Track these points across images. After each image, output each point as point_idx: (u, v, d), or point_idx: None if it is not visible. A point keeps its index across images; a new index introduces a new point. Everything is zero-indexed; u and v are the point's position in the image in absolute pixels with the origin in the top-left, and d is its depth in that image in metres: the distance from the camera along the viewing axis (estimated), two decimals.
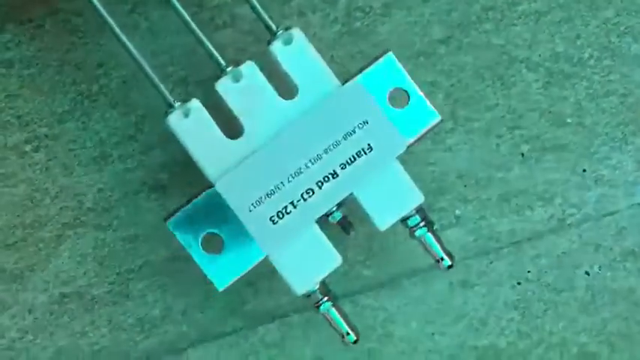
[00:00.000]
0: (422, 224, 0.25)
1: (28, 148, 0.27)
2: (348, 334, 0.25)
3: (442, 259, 0.26)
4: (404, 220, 0.25)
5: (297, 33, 0.24)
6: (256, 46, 0.27)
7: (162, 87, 0.24)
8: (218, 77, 0.24)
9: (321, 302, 0.25)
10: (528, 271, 0.30)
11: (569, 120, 0.30)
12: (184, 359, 0.28)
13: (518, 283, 0.30)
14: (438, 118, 0.26)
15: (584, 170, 0.30)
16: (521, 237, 0.30)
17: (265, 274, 0.27)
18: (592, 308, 0.30)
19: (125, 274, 0.27)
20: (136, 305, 0.27)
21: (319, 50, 0.25)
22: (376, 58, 0.26)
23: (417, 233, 0.25)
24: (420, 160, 0.29)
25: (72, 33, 0.27)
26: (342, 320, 0.25)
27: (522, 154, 0.30)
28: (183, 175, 0.28)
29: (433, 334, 0.29)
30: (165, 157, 0.28)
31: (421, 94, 0.26)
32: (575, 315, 0.30)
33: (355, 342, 0.25)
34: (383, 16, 0.29)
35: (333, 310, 0.25)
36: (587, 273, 0.30)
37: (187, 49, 0.28)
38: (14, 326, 0.27)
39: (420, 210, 0.25)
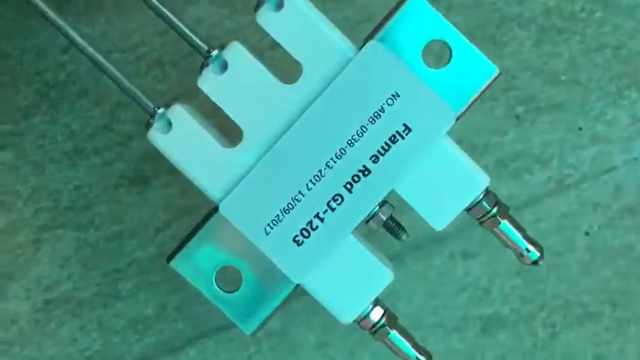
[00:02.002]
0: (494, 211, 0.20)
1: None
2: (417, 359, 0.21)
3: (527, 250, 0.21)
4: (470, 210, 0.20)
5: None
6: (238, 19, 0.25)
7: (138, 94, 0.20)
8: (200, 67, 0.19)
9: (377, 327, 0.20)
10: None
11: (563, 77, 0.29)
12: (183, 357, 0.26)
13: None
14: (496, 72, 0.20)
15: (580, 128, 0.29)
16: (520, 201, 0.29)
17: None
18: (592, 268, 0.30)
19: (112, 274, 0.26)
20: (126, 306, 0.26)
21: None
22: (397, 6, 0.19)
23: (490, 224, 0.20)
24: None
25: (29, 16, 0.25)
26: (406, 343, 0.21)
27: (517, 117, 0.29)
28: (167, 164, 0.26)
29: (436, 307, 0.28)
30: (146, 146, 0.25)
31: (468, 42, 0.19)
32: (577, 276, 0.29)
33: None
34: None
35: (394, 333, 0.20)
36: (586, 233, 0.30)
37: (159, 25, 0.25)
38: None
39: (487, 194, 0.20)
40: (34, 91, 0.25)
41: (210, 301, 0.20)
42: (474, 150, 0.28)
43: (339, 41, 0.19)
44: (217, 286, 0.20)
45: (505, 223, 0.20)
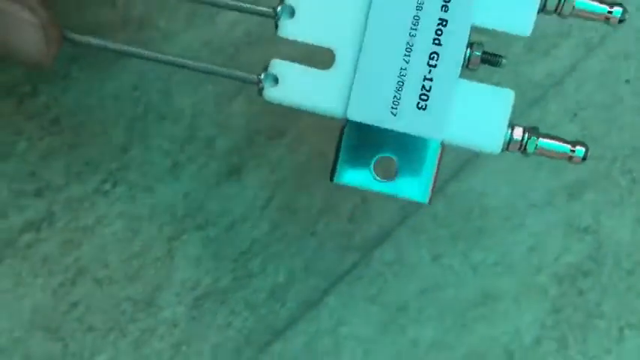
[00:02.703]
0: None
1: (107, 186, 0.28)
2: (573, 150, 0.23)
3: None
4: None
5: None
6: None
7: (238, 73, 0.23)
8: (275, 24, 0.22)
9: (524, 144, 0.22)
10: (578, 101, 0.32)
11: None
12: (324, 307, 0.29)
13: (575, 115, 0.31)
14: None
15: None
16: (561, 74, 0.32)
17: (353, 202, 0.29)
18: None
19: (240, 258, 0.29)
20: (261, 280, 0.29)
21: None
22: None
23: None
24: None
25: (98, 70, 0.29)
26: (558, 142, 0.23)
27: None
28: (251, 151, 0.29)
29: (524, 191, 0.31)
30: (228, 142, 0.29)
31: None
32: (633, 121, 0.32)
33: (586, 154, 0.23)
34: None
35: (542, 140, 0.23)
36: (627, 81, 0.32)
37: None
38: (166, 345, 0.28)
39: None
40: (122, 129, 0.29)
41: (382, 194, 0.23)
42: (498, 46, 0.31)
43: None
44: (379, 179, 0.22)
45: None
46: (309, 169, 0.29)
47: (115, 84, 0.29)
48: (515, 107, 0.31)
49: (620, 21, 0.23)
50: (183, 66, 0.24)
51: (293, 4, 0.22)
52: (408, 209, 0.30)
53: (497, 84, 0.31)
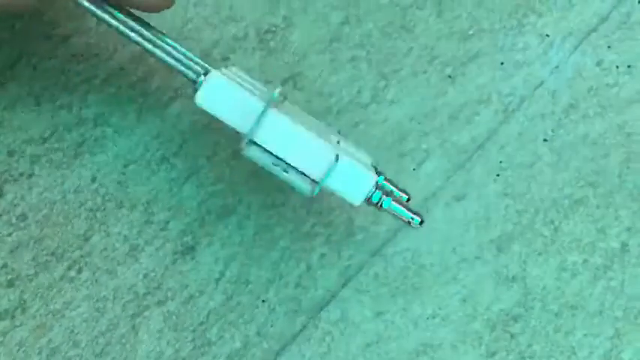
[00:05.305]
0: (384, 197, 0.29)
1: (73, 273, 0.31)
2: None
3: (412, 219, 0.29)
4: (368, 199, 0.29)
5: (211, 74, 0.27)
6: None
7: (179, 67, 0.28)
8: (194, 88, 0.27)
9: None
10: (500, 162, 0.35)
11: (470, 32, 0.35)
12: None
13: (497, 175, 0.35)
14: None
15: (502, 63, 0.35)
16: (482, 139, 0.35)
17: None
18: (562, 164, 0.35)
19: (198, 328, 0.32)
20: (219, 347, 0.32)
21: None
22: None
23: (384, 206, 0.29)
24: (374, 120, 0.34)
25: (64, 166, 0.32)
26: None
27: (449, 76, 0.35)
28: (203, 230, 0.32)
29: (454, 248, 0.34)
30: (181, 224, 0.32)
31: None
32: (552, 176, 0.35)
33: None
34: (289, 27, 0.34)
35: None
36: (545, 140, 0.35)
37: None
38: None
39: (378, 185, 0.29)
40: (84, 219, 0.32)
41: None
42: (426, 116, 0.34)
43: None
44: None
45: (393, 204, 0.29)
46: (257, 243, 0.32)
47: (75, 178, 0.32)
48: (442, 171, 0.34)
49: (421, 223, 0.30)
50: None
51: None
52: (351, 272, 0.33)
53: (426, 150, 0.34)
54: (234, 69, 0.29)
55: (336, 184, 0.27)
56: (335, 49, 0.34)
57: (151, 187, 0.32)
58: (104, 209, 0.32)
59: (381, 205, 0.28)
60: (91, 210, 0.32)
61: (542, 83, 0.35)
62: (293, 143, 0.26)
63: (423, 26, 0.35)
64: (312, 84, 0.34)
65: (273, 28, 0.34)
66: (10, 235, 0.31)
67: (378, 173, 0.29)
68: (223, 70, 0.27)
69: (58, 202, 0.32)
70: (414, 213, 0.29)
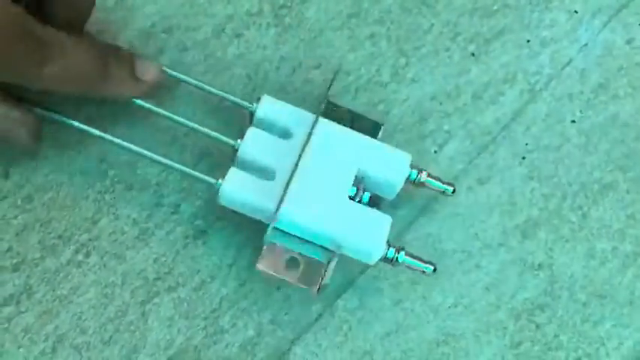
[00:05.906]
0: (397, 253, 0.29)
1: (80, 257, 0.30)
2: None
3: (425, 270, 0.30)
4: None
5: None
6: None
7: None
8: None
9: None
10: (526, 144, 0.33)
11: (495, 7, 0.34)
12: (293, 357, 0.31)
13: (523, 158, 0.33)
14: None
15: (528, 40, 0.34)
16: (507, 120, 0.33)
17: None
18: (590, 147, 0.33)
19: (211, 315, 0.31)
20: (232, 335, 0.31)
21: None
22: None
23: (399, 260, 0.30)
24: (393, 100, 0.33)
25: (71, 147, 0.31)
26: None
27: (472, 54, 0.33)
28: (215, 214, 0.31)
29: (476, 233, 0.32)
30: (193, 207, 0.31)
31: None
32: (581, 159, 0.33)
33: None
34: (304, 2, 0.32)
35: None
36: (573, 121, 0.34)
37: None
38: None
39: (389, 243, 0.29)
40: (92, 201, 0.30)
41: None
42: (449, 96, 0.33)
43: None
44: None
45: (406, 258, 0.30)
46: None
47: (82, 159, 0.31)
48: (464, 153, 0.32)
49: (435, 270, 0.30)
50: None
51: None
52: None
53: (448, 132, 0.33)
54: (266, 100, 0.29)
55: (349, 253, 0.29)
56: (353, 25, 0.32)
57: (161, 169, 0.31)
58: (113, 191, 0.31)
59: (396, 260, 0.30)
60: (99, 192, 0.31)
61: (570, 62, 0.34)
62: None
63: (445, 1, 0.33)
64: (329, 62, 0.32)
65: (289, 3, 0.33)
66: (15, 217, 0.30)
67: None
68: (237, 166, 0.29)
69: (65, 184, 0.30)
70: (427, 262, 0.30)
